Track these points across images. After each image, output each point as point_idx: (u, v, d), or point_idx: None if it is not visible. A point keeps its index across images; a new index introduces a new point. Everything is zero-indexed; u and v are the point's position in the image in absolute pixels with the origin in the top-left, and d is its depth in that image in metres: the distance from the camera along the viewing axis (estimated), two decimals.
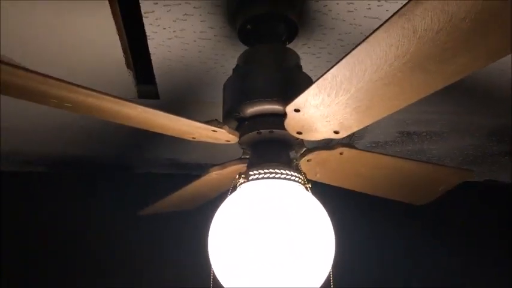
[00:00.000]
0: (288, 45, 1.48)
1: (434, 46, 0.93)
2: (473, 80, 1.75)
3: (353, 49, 0.97)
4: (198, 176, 1.56)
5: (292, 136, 1.26)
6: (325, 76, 1.04)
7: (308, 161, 1.38)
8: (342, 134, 1.22)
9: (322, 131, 1.21)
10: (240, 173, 1.28)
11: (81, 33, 1.54)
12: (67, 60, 1.66)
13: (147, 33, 1.53)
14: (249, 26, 1.41)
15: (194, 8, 1.42)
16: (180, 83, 1.79)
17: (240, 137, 1.31)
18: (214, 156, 1.82)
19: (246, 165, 1.35)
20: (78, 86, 1.04)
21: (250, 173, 1.25)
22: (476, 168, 2.45)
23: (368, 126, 2.09)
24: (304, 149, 1.38)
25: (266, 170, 1.24)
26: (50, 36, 1.55)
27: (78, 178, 2.46)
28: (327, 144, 1.40)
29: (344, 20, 1.47)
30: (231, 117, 1.32)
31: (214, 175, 1.49)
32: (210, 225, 1.23)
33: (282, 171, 1.24)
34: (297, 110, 1.15)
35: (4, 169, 2.40)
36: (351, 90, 1.06)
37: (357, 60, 0.99)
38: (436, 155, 2.32)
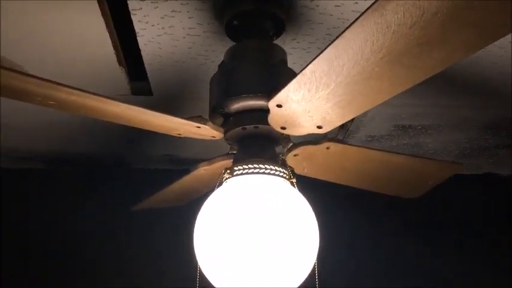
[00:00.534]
0: (276, 41, 1.48)
1: (409, 41, 0.93)
2: (465, 73, 1.75)
3: (329, 44, 0.97)
4: (188, 172, 1.57)
5: (277, 131, 1.27)
6: (304, 72, 1.05)
7: (295, 155, 1.39)
8: (326, 129, 1.22)
9: (305, 126, 1.21)
10: (225, 168, 1.29)
11: (71, 31, 1.55)
12: (59, 59, 1.67)
13: (136, 30, 1.53)
14: (235, 22, 1.41)
15: (181, 4, 1.43)
16: (172, 79, 1.80)
17: (225, 133, 1.32)
18: (211, 152, 1.82)
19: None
20: (59, 84, 1.05)
21: (235, 168, 1.26)
22: (474, 162, 2.44)
23: (363, 120, 2.13)
24: (290, 144, 1.38)
25: (251, 166, 1.25)
26: (42, 35, 1.56)
27: (77, 175, 2.48)
28: (314, 139, 1.40)
29: (331, 15, 1.47)
30: (217, 113, 1.32)
31: (203, 170, 1.50)
32: None
33: (266, 166, 1.25)
34: (279, 106, 1.16)
35: (3, 166, 2.42)
36: (331, 85, 1.07)
37: (334, 56, 0.99)
38: (432, 149, 2.31)
